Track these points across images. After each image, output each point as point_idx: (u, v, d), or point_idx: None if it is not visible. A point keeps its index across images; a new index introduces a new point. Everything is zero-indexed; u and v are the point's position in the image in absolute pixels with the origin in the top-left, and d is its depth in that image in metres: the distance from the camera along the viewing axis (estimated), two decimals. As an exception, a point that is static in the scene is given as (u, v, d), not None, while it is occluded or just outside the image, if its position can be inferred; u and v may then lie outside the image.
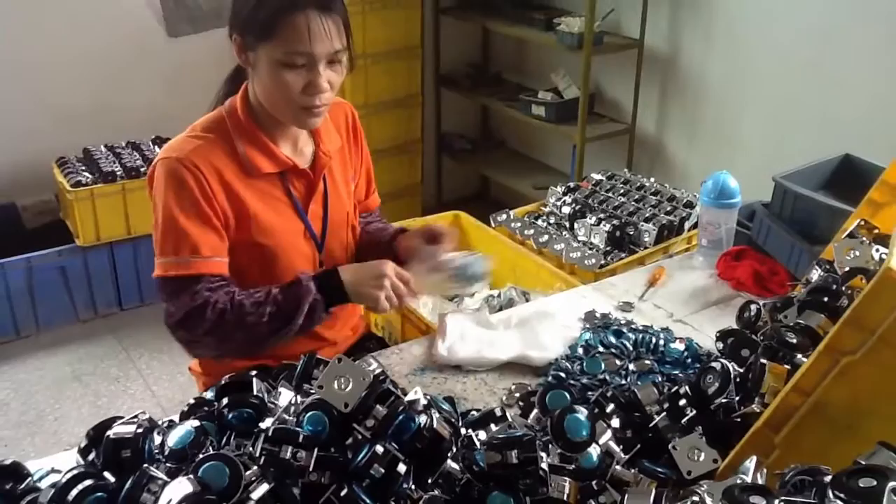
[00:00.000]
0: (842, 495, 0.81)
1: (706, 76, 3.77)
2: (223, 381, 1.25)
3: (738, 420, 1.26)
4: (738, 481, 0.95)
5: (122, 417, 1.24)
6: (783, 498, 0.82)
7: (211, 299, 1.63)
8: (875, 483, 0.81)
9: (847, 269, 1.51)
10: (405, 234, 1.93)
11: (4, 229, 3.78)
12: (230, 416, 1.18)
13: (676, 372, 1.63)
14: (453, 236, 1.87)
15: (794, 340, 1.33)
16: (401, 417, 1.13)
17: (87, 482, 1.09)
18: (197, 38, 4.03)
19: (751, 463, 1.02)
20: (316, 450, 1.09)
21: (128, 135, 3.99)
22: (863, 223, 1.65)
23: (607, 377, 1.60)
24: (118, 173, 3.68)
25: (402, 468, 1.09)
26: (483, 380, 1.68)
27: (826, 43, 3.22)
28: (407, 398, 1.19)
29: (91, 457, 1.25)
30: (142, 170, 3.72)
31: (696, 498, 0.88)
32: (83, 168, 3.74)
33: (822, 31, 3.23)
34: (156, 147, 3.93)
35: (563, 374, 1.62)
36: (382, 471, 1.08)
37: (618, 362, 1.64)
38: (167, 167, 1.65)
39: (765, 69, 3.50)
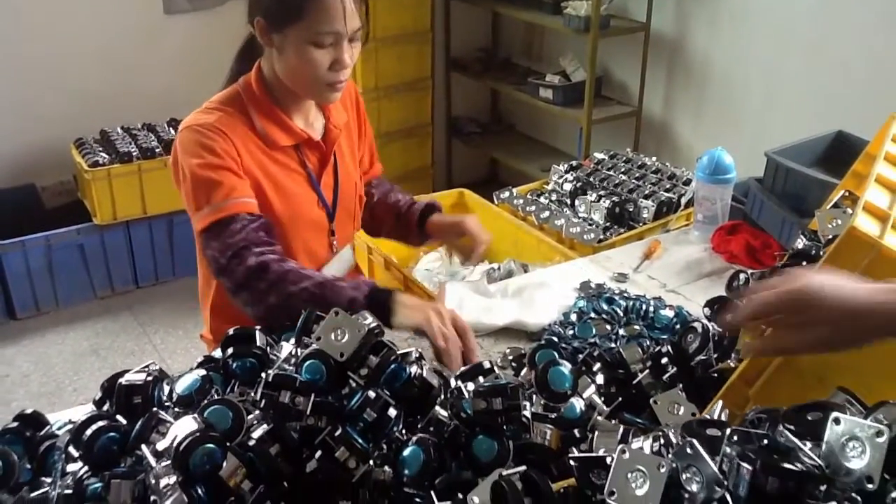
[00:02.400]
0: (791, 426, 0.87)
1: (711, 59, 3.81)
2: (228, 333, 1.33)
3: (715, 375, 1.32)
4: (703, 422, 1.02)
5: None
6: (734, 427, 0.89)
7: (253, 243, 1.62)
8: (822, 416, 0.87)
9: (829, 237, 1.57)
10: (435, 221, 2.01)
11: (24, 209, 3.89)
12: (234, 365, 1.26)
13: (665, 337, 1.69)
14: (484, 239, 1.92)
15: (771, 301, 1.38)
16: (393, 366, 1.20)
17: (101, 423, 1.18)
18: (210, 20, 4.11)
19: (717, 406, 1.09)
20: (313, 395, 1.16)
21: (143, 117, 4.09)
22: (847, 194, 1.70)
23: (597, 341, 1.67)
24: (134, 154, 3.78)
25: (392, 413, 1.16)
26: (479, 344, 1.75)
27: (826, 23, 3.27)
28: (400, 351, 1.26)
29: (105, 407, 1.34)
30: (157, 150, 3.81)
31: (659, 433, 0.94)
32: (100, 149, 3.83)
33: (822, 12, 3.27)
34: (171, 129, 4.02)
35: (555, 338, 1.69)
36: (374, 415, 1.15)
37: (608, 327, 1.71)
38: (191, 133, 1.70)
39: (767, 51, 3.54)
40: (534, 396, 1.28)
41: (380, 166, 2.17)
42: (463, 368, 1.37)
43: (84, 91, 3.98)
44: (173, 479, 1.06)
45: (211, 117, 1.74)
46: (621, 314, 1.76)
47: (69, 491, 1.18)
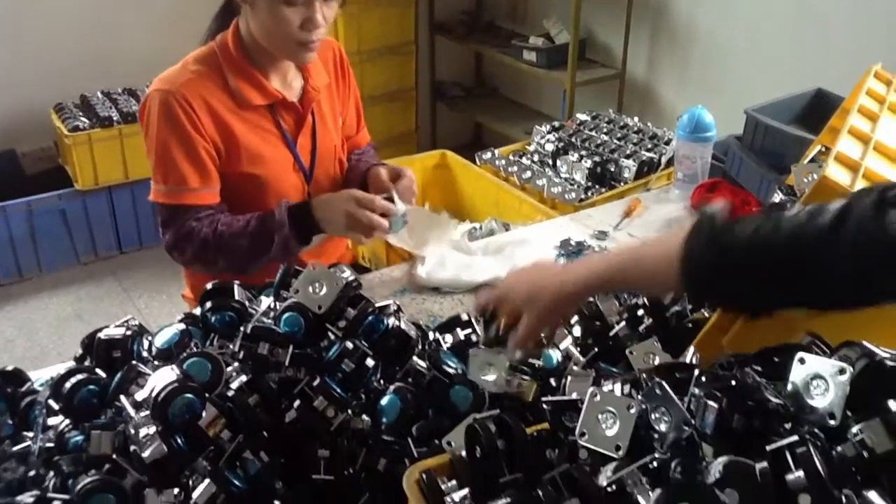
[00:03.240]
0: (758, 367, 0.89)
1: (695, 19, 3.80)
2: (207, 287, 1.34)
3: (690, 325, 1.34)
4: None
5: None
6: (702, 369, 0.91)
7: (196, 230, 1.74)
8: (788, 358, 0.89)
9: (805, 191, 1.58)
10: (375, 167, 1.98)
11: (5, 176, 3.85)
12: (213, 318, 1.26)
13: (643, 292, 1.70)
14: (411, 183, 1.90)
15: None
16: (370, 318, 1.21)
17: (81, 376, 1.18)
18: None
19: (689, 352, 1.11)
20: (291, 347, 1.17)
21: (124, 81, 4.05)
22: (823, 149, 1.71)
23: (576, 296, 1.68)
24: (115, 118, 3.74)
25: (370, 363, 1.17)
26: (460, 300, 1.77)
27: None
28: (378, 304, 1.27)
29: (86, 364, 1.35)
30: (138, 115, 3.77)
31: (629, 377, 0.96)
32: (80, 114, 3.80)
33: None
34: (151, 93, 3.98)
35: (534, 294, 1.70)
36: (352, 365, 1.17)
37: (587, 283, 1.72)
38: (159, 99, 1.73)
39: (750, 11, 3.53)
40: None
41: (367, 135, 2.15)
42: (441, 321, 1.38)
43: (63, 55, 3.93)
44: (153, 429, 1.07)
45: (180, 79, 1.74)
46: (600, 270, 1.77)
47: (51, 444, 1.19)
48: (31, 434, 1.23)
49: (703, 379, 0.88)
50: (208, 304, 1.28)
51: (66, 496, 1.06)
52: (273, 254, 1.72)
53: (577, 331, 1.43)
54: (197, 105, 1.73)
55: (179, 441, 1.08)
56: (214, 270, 1.77)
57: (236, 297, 1.31)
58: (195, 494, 1.04)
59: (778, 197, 1.70)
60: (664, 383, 0.86)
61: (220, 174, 1.79)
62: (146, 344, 1.27)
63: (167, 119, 1.72)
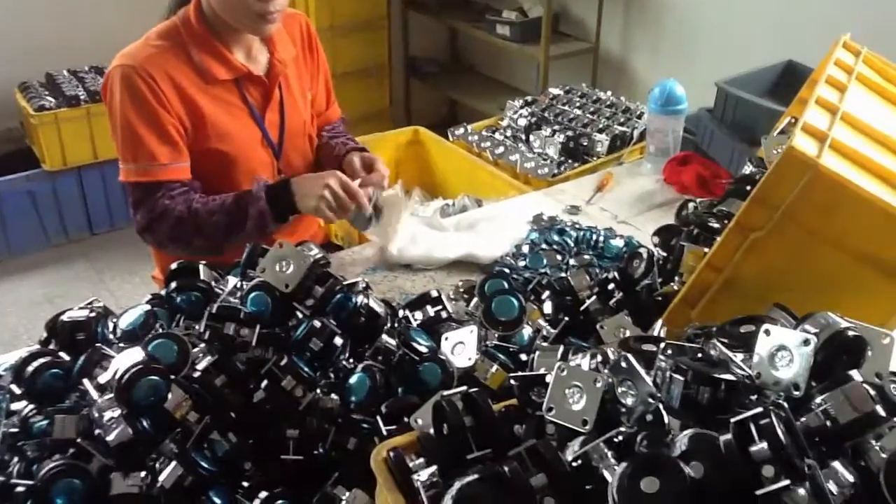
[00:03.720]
0: (724, 339, 0.89)
1: (668, -8, 3.79)
2: (172, 267, 1.32)
3: (660, 299, 1.34)
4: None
5: (77, 308, 1.31)
6: (668, 342, 0.91)
7: (169, 208, 1.70)
8: (754, 329, 0.89)
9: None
10: (350, 154, 1.94)
11: (-30, 157, 3.78)
12: (179, 299, 1.24)
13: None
14: (382, 176, 1.87)
15: (715, 225, 1.40)
16: (338, 297, 1.20)
17: (43, 360, 1.16)
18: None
19: (657, 325, 1.11)
20: (258, 327, 1.16)
21: (90, 59, 3.97)
22: (793, 121, 1.71)
23: (548, 271, 1.68)
24: (82, 97, 3.67)
25: (338, 342, 1.16)
26: (432, 277, 1.76)
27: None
28: (346, 282, 1.26)
29: (51, 347, 1.33)
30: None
31: (597, 351, 0.96)
32: (46, 93, 3.72)
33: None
34: (119, 71, 3.91)
35: (506, 270, 1.70)
36: (321, 344, 1.15)
37: (559, 258, 1.72)
38: (122, 74, 1.69)
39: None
40: (487, 332, 1.29)
41: (338, 109, 2.12)
42: (410, 298, 1.37)
43: (28, 32, 3.84)
44: (117, 412, 1.06)
45: (143, 53, 1.70)
46: (572, 245, 1.78)
47: (15, 429, 1.17)
48: (-6, 419, 1.21)
49: (669, 352, 0.88)
50: (174, 285, 1.26)
51: (30, 482, 1.05)
52: (249, 230, 1.70)
53: (547, 306, 1.43)
54: (161, 80, 1.69)
55: (145, 424, 1.07)
56: (188, 251, 1.73)
57: (202, 278, 1.29)
58: (162, 477, 1.03)
59: (748, 169, 1.70)
60: (630, 357, 0.85)
61: (189, 152, 1.76)
62: (111, 326, 1.26)
63: (131, 95, 1.68)
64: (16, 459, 1.13)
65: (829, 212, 1.16)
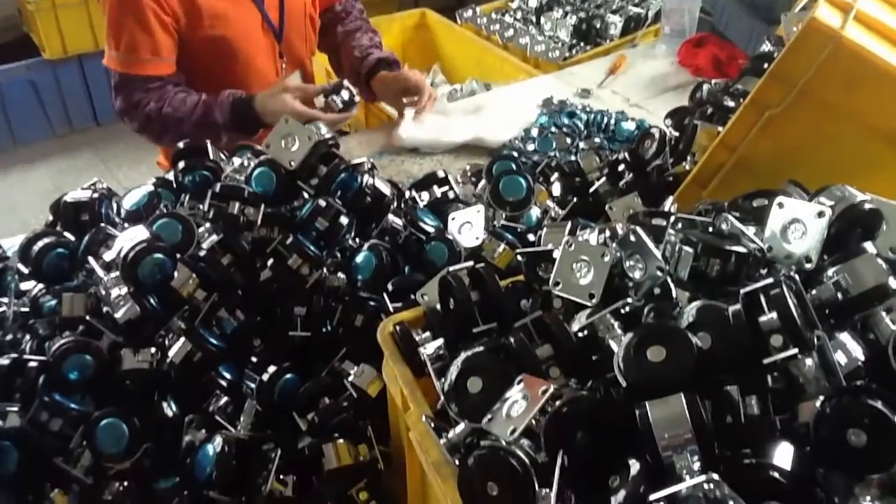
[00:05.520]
0: (736, 213, 0.87)
1: None
2: (179, 146, 1.30)
3: (671, 179, 1.31)
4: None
5: (82, 190, 1.30)
6: (678, 215, 0.89)
7: (143, 102, 1.70)
8: (767, 203, 0.87)
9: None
10: (380, 78, 1.88)
11: (-33, 47, 3.70)
12: (186, 179, 1.23)
13: (625, 149, 1.67)
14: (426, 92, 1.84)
15: (730, 104, 1.36)
16: (343, 176, 1.18)
17: (48, 239, 1.16)
18: None
19: (667, 201, 1.09)
20: (263, 206, 1.15)
21: (86, -59, 3.82)
22: (816, -4, 1.64)
23: (557, 154, 1.65)
24: (79, -18, 3.56)
25: (344, 221, 1.15)
26: (439, 161, 1.74)
27: None
28: (352, 161, 1.23)
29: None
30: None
31: (605, 226, 0.94)
32: (42, -23, 3.60)
33: None
34: (116, -46, 3.77)
35: (515, 153, 1.67)
36: (326, 223, 1.14)
37: (568, 141, 1.69)
38: None
39: None
40: (495, 212, 1.27)
41: None
42: (417, 178, 1.35)
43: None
44: (124, 290, 1.06)
45: None
46: (582, 128, 1.74)
47: (25, 309, 1.18)
48: (5, 300, 1.22)
49: (680, 225, 0.86)
50: (181, 164, 1.24)
51: (42, 357, 1.06)
52: (218, 137, 1.68)
53: (556, 188, 1.41)
54: None
55: (153, 301, 1.07)
56: (163, 144, 1.77)
57: (210, 157, 1.27)
58: (171, 353, 1.04)
59: (767, 47, 1.64)
60: (639, 230, 0.84)
61: (182, 41, 1.71)
62: (115, 207, 1.25)
63: None
64: (27, 337, 1.14)
65: (849, 87, 1.12)
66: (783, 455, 0.70)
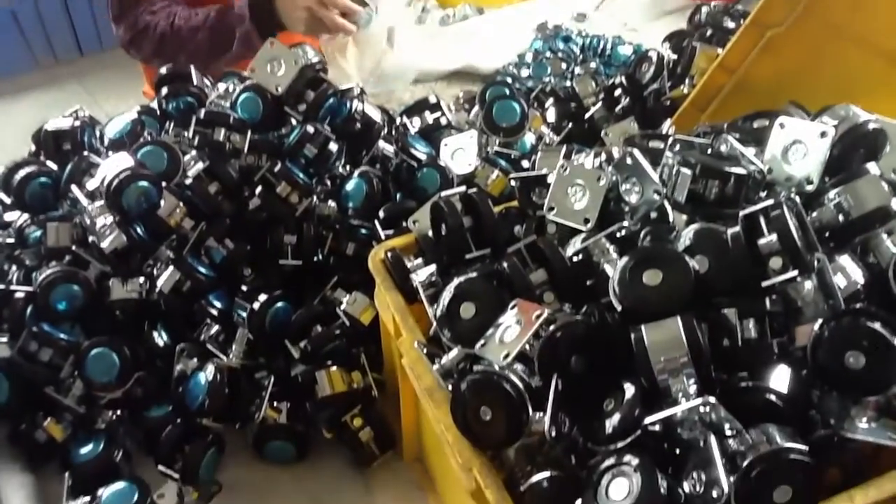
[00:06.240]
0: (735, 134, 0.85)
1: None
2: (162, 72, 1.26)
3: (668, 103, 1.28)
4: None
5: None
6: (676, 136, 0.87)
7: (151, 24, 1.63)
8: (767, 123, 0.85)
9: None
10: None
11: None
12: (169, 105, 1.19)
13: (621, 74, 1.64)
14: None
15: (730, 25, 1.32)
16: (331, 101, 1.15)
17: (30, 168, 1.13)
18: None
19: (665, 124, 1.06)
20: (250, 133, 1.12)
21: None
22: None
23: (552, 80, 1.61)
24: None
25: (333, 147, 1.13)
26: (431, 88, 1.69)
27: None
28: (341, 87, 1.20)
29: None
30: None
31: (601, 150, 0.92)
32: None
33: None
34: None
35: (509, 79, 1.63)
36: (315, 150, 1.12)
37: (563, 66, 1.65)
38: None
39: None
40: (488, 138, 1.24)
41: None
42: (408, 105, 1.32)
43: None
44: (110, 219, 1.04)
45: None
46: (578, 53, 1.69)
47: (11, 240, 1.16)
48: (-11, 232, 1.20)
49: (678, 147, 0.84)
50: (164, 91, 1.21)
51: (28, 288, 1.05)
52: (235, 49, 1.62)
53: (551, 114, 1.38)
54: None
55: (139, 231, 1.05)
56: (178, 64, 1.67)
57: (194, 82, 1.23)
58: (160, 282, 1.03)
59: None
60: (636, 152, 0.82)
61: None
62: (97, 135, 1.21)
63: None
64: (14, 269, 1.12)
65: (855, 5, 1.09)
66: (780, 378, 0.70)
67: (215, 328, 1.04)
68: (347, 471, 1.02)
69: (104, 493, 0.91)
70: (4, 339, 1.02)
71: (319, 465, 1.02)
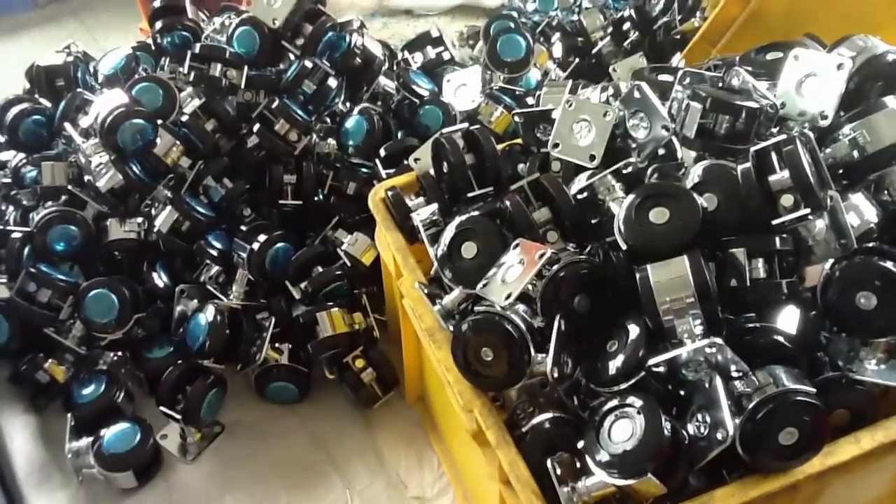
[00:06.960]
0: (748, 67, 0.82)
1: None
2: (156, 5, 1.22)
3: (679, 38, 1.24)
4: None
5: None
6: (686, 69, 0.83)
7: None
8: (781, 55, 0.81)
9: None
10: None
11: None
12: (164, 40, 1.16)
13: (630, 7, 1.58)
14: None
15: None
16: (329, 35, 1.11)
17: (23, 106, 1.11)
18: None
19: (675, 57, 1.03)
20: (246, 68, 1.09)
21: None
22: None
23: (559, 14, 1.56)
24: None
25: (332, 83, 1.09)
26: (434, 23, 1.64)
27: None
28: (340, 20, 1.16)
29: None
30: None
31: (608, 84, 0.89)
32: None
33: None
34: None
35: (514, 13, 1.58)
36: (313, 86, 1.09)
37: (571, 0, 1.59)
38: None
39: None
40: (492, 74, 1.21)
41: None
42: (410, 39, 1.28)
43: None
44: (105, 157, 1.02)
45: None
46: (586, -15, 1.64)
47: (7, 180, 1.15)
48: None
49: (688, 80, 0.80)
50: (158, 25, 1.17)
51: (26, 228, 1.03)
52: None
53: (557, 49, 1.34)
54: None
55: (136, 169, 1.03)
56: None
57: (189, 15, 1.20)
58: (158, 222, 1.01)
59: None
60: (644, 86, 0.78)
61: None
62: (91, 71, 1.19)
63: None
64: (11, 209, 1.11)
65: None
66: (788, 319, 0.68)
67: (215, 269, 1.03)
68: (349, 411, 1.01)
69: (107, 433, 0.91)
70: (3, 280, 1.02)
71: (321, 405, 1.02)
